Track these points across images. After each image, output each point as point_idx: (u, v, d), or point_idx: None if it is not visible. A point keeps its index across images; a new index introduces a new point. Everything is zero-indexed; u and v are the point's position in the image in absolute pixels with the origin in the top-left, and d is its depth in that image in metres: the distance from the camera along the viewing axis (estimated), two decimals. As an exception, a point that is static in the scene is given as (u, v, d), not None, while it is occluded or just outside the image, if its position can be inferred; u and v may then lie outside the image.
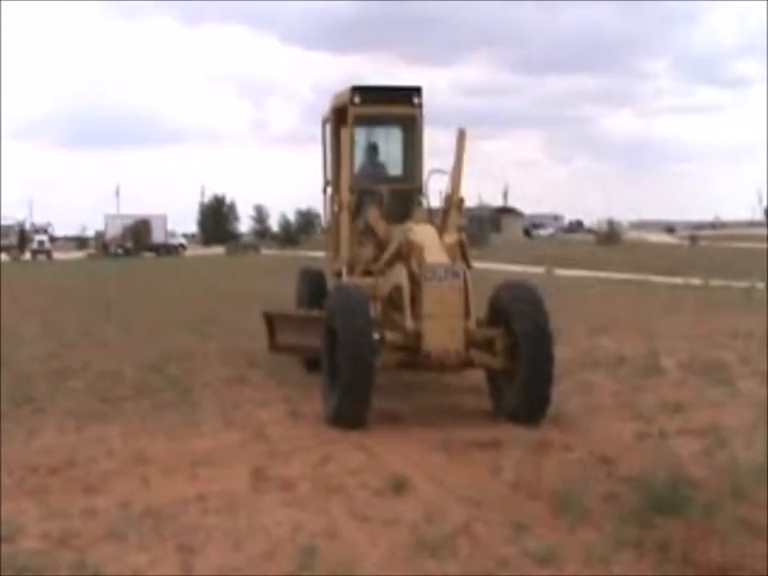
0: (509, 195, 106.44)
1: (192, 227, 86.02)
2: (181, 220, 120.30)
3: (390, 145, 10.11)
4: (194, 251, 67.51)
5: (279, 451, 6.47)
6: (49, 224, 64.87)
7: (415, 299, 7.41)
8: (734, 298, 17.94)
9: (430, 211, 8.99)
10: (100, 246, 61.50)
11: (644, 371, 9.70)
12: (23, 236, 58.09)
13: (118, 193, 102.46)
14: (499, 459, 6.08)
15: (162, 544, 4.60)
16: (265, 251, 60.85)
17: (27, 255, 56.34)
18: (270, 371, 10.28)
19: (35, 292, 24.46)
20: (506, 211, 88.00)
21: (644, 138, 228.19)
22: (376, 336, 7.23)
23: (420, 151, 9.61)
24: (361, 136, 9.86)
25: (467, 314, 7.40)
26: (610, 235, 51.71)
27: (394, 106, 9.35)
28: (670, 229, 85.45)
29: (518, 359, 7.18)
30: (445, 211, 8.68)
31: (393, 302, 7.83)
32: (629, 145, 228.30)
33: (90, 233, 73.11)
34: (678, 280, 23.66)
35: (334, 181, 9.71)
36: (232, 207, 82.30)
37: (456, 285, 7.32)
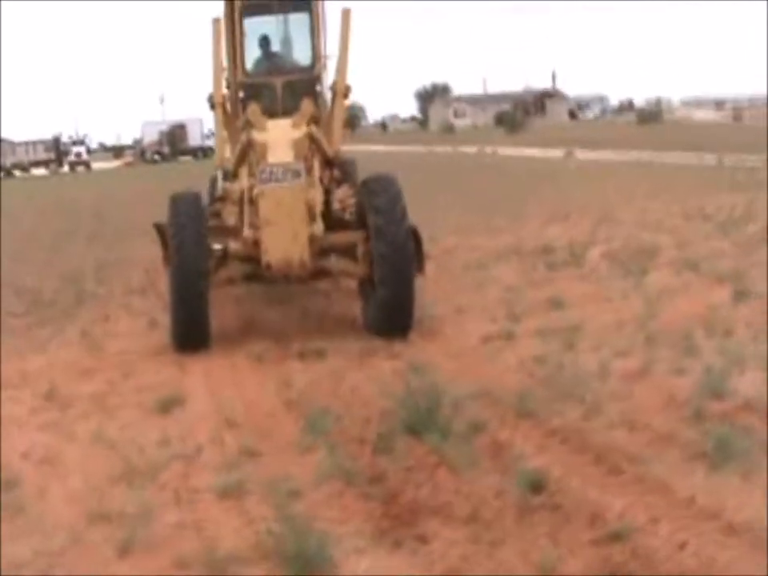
0: (557, 78, 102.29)
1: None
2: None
3: (287, 34, 9.32)
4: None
5: (94, 368, 6.22)
6: (85, 135, 64.84)
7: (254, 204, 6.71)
8: (737, 177, 16.80)
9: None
10: (138, 154, 61.41)
11: (562, 261, 9.06)
12: (59, 149, 58.14)
13: (162, 100, 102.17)
14: (304, 372, 5.67)
15: None
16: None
17: (66, 168, 56.58)
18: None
19: (41, 207, 24.52)
20: (551, 95, 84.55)
21: (700, 12, 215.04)
22: (217, 246, 6.72)
23: (320, 38, 8.83)
24: (255, 27, 9.10)
25: (314, 218, 6.66)
26: (651, 114, 49.17)
27: None
28: (717, 104, 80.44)
29: (375, 263, 6.47)
30: (331, 101, 7.98)
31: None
32: (683, 19, 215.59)
33: (127, 141, 73.08)
34: (693, 159, 22.38)
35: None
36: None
37: (296, 186, 6.53)
